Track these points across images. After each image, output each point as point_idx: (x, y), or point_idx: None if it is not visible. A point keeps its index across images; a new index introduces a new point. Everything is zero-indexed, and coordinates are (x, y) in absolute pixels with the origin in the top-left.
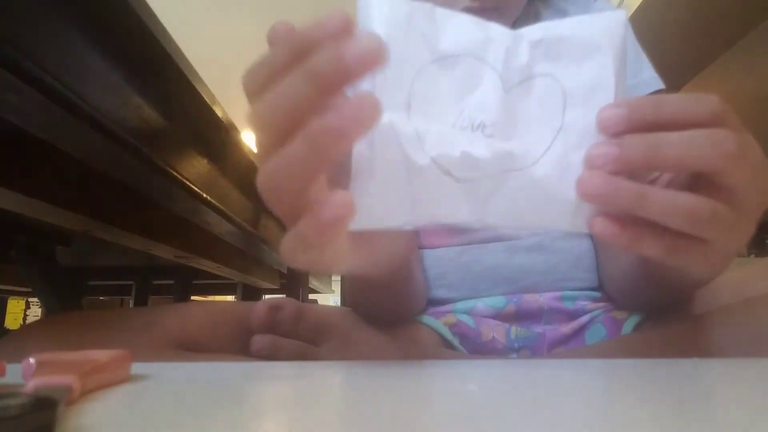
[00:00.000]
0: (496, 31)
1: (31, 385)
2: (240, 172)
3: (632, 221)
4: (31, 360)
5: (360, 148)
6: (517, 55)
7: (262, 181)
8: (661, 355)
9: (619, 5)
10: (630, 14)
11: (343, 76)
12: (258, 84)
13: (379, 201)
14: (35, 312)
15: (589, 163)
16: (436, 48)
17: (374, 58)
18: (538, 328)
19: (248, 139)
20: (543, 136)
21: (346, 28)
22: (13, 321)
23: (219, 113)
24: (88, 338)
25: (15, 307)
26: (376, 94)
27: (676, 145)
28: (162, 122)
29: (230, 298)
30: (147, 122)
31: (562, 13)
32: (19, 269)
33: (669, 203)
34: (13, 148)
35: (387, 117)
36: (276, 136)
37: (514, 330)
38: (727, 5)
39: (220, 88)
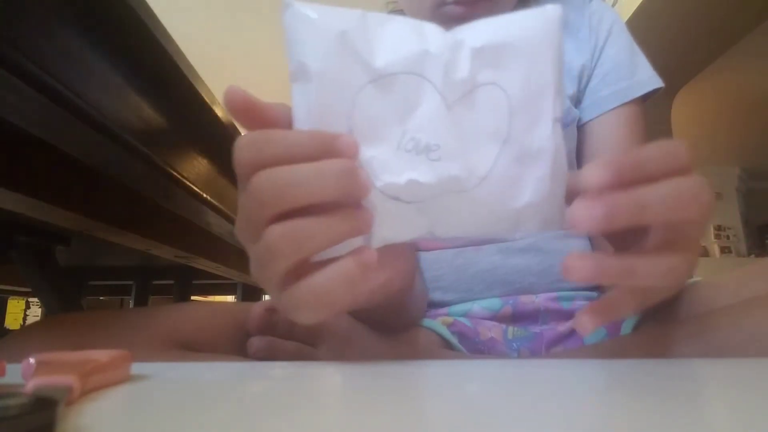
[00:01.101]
0: (435, 40)
1: (31, 385)
2: None
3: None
4: (31, 360)
5: None
6: (458, 67)
7: (299, 298)
8: (660, 355)
9: (614, 5)
10: (630, 14)
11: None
12: (259, 161)
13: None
14: (35, 312)
15: (575, 223)
16: (372, 67)
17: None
18: (536, 328)
19: None
20: (488, 151)
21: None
22: (13, 321)
23: (219, 113)
24: (88, 339)
25: (15, 307)
26: (315, 123)
27: (660, 201)
28: (162, 122)
29: (230, 298)
30: (147, 122)
31: None
32: (19, 269)
33: (651, 271)
34: (13, 148)
35: None
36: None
37: (512, 330)
38: (727, 5)
39: (220, 88)
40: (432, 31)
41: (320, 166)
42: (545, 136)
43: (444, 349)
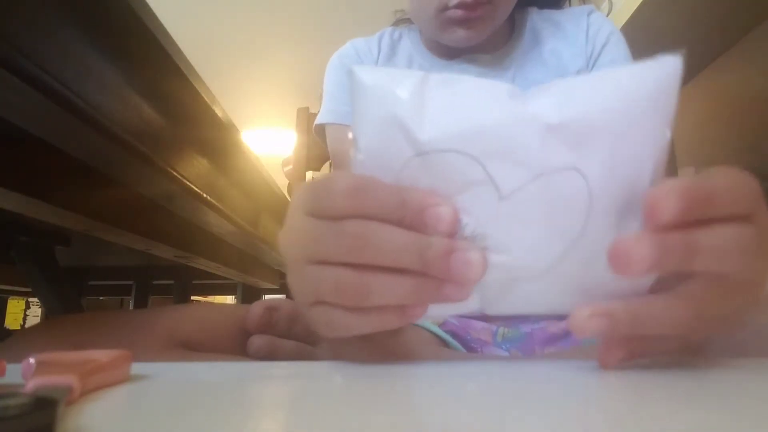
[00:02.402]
0: (500, 111)
1: (31, 385)
2: (240, 172)
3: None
4: (31, 360)
5: None
6: (524, 148)
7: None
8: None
9: (608, 14)
10: (628, 15)
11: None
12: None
13: None
14: (35, 312)
15: (618, 261)
16: (418, 141)
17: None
18: (526, 328)
19: (248, 139)
20: (553, 248)
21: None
22: (13, 321)
23: (219, 113)
24: (89, 340)
25: (15, 307)
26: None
27: (713, 251)
28: (162, 122)
29: (230, 298)
30: (147, 122)
31: (557, 26)
32: (19, 269)
33: (663, 320)
34: (13, 148)
35: None
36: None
37: (501, 332)
38: (727, 5)
39: (220, 88)
40: (499, 98)
41: (418, 241)
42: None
43: (440, 346)
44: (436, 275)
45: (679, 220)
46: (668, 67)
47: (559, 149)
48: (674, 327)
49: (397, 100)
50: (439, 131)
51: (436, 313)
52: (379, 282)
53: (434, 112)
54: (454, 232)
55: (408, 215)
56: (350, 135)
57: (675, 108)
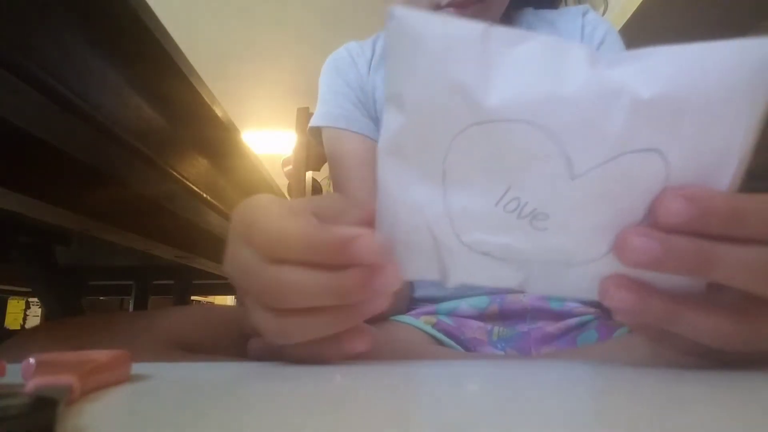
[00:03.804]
0: (579, 78)
1: (31, 385)
2: (240, 172)
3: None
4: (31, 360)
5: (383, 224)
6: (606, 124)
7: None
8: (653, 358)
9: (603, 14)
10: (628, 15)
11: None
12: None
13: (405, 264)
14: (35, 312)
15: (623, 254)
16: (481, 106)
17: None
18: (523, 327)
19: (248, 139)
20: (613, 234)
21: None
22: (13, 321)
23: (219, 113)
24: (89, 341)
25: (15, 307)
26: (402, 159)
27: (734, 264)
28: (162, 122)
29: (230, 298)
30: (147, 122)
31: (552, 26)
32: (19, 269)
33: (700, 327)
34: (13, 148)
35: (415, 194)
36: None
37: (497, 331)
38: (727, 5)
39: (220, 88)
40: (577, 63)
41: (332, 281)
42: None
43: (435, 345)
44: (354, 302)
45: (690, 226)
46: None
47: (645, 128)
48: (712, 338)
49: (458, 57)
50: (508, 98)
51: (469, 281)
52: (295, 324)
53: (500, 75)
54: (382, 257)
55: (331, 255)
56: (388, 91)
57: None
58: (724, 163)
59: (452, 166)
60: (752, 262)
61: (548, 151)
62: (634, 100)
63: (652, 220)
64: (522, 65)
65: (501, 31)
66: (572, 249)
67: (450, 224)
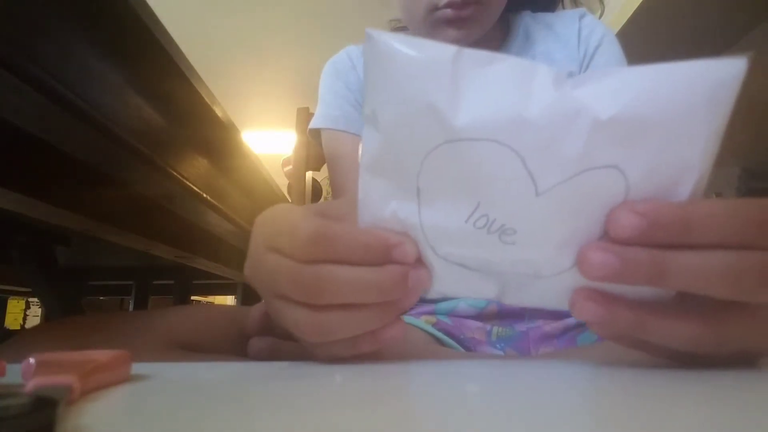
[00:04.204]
0: (543, 100)
1: (31, 385)
2: (240, 172)
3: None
4: (31, 360)
5: None
6: (568, 143)
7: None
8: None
9: (600, 17)
10: (628, 16)
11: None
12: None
13: None
14: (35, 312)
15: (584, 268)
16: (451, 125)
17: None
18: (521, 327)
19: (248, 139)
20: (578, 246)
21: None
22: (13, 321)
23: (219, 113)
24: (90, 341)
25: (15, 307)
26: (379, 175)
27: (687, 271)
28: (162, 122)
29: (230, 298)
30: (147, 122)
31: (550, 28)
32: (19, 269)
33: (669, 334)
34: (13, 148)
35: (393, 207)
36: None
37: (496, 331)
38: (727, 5)
39: (220, 88)
40: (543, 84)
41: (374, 277)
42: None
43: (435, 345)
44: (394, 298)
45: (642, 238)
46: (733, 67)
47: (606, 146)
48: (682, 343)
49: (430, 78)
50: (476, 118)
51: (450, 293)
52: (334, 320)
53: (470, 96)
54: (411, 262)
55: (372, 258)
56: (365, 110)
57: (729, 116)
58: (684, 177)
59: (425, 183)
60: (703, 267)
61: (514, 170)
62: (594, 120)
63: (610, 235)
64: (491, 86)
65: (471, 53)
66: (540, 262)
67: (425, 238)
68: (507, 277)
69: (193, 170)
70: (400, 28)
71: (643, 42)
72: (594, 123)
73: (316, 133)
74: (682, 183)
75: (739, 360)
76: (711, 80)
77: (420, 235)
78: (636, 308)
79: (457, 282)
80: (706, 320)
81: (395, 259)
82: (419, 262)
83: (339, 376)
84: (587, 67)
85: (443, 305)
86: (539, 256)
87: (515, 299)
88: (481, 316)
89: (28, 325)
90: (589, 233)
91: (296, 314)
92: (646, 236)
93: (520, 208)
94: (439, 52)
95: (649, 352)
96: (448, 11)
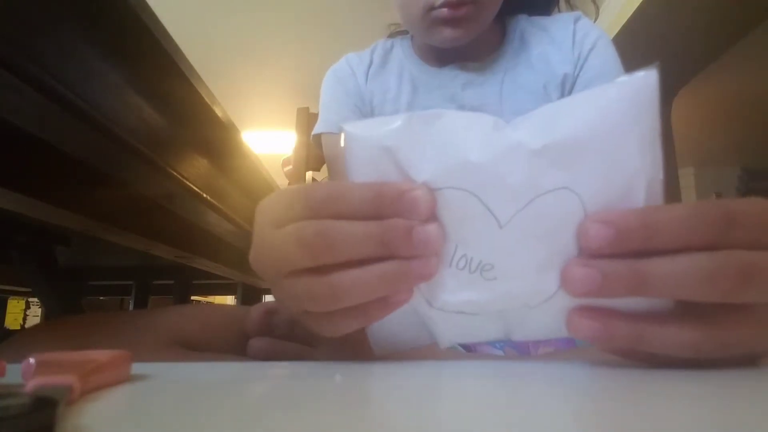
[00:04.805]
0: (483, 143)
1: (31, 385)
2: (240, 172)
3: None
4: (31, 360)
5: None
6: (511, 177)
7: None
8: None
9: (596, 19)
10: (628, 16)
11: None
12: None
13: (396, 334)
14: (35, 312)
15: (569, 286)
16: (418, 181)
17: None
18: None
19: (248, 139)
20: (558, 269)
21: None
22: (13, 321)
23: (219, 113)
24: (90, 340)
25: (15, 307)
26: None
27: (664, 277)
28: (162, 122)
29: (230, 298)
30: (147, 122)
31: (545, 31)
32: (19, 269)
33: (669, 342)
34: (13, 148)
35: None
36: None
37: None
38: (727, 5)
39: (220, 88)
40: (483, 130)
41: (376, 229)
42: None
43: (435, 345)
44: (401, 254)
45: (615, 248)
46: (644, 80)
47: (548, 171)
48: (682, 350)
49: (389, 145)
50: (434, 170)
51: (461, 341)
52: (345, 280)
53: (426, 151)
54: (431, 216)
55: (385, 205)
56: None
57: (658, 120)
58: (634, 183)
59: None
60: (677, 272)
61: (476, 209)
62: (530, 151)
63: (584, 250)
64: (441, 139)
65: (420, 114)
66: (525, 292)
67: (420, 293)
68: (507, 314)
69: (193, 170)
70: (399, 32)
71: (642, 44)
72: (529, 153)
73: (318, 140)
74: (634, 189)
75: (742, 362)
76: (629, 94)
77: (415, 293)
78: (632, 320)
79: (463, 330)
80: (705, 326)
81: (404, 204)
82: (433, 219)
83: (339, 376)
84: (582, 68)
85: None
86: (522, 287)
87: (521, 335)
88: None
89: (28, 325)
90: (565, 255)
91: (307, 284)
92: (617, 244)
93: (489, 243)
94: (395, 123)
95: (655, 363)
96: (444, 11)
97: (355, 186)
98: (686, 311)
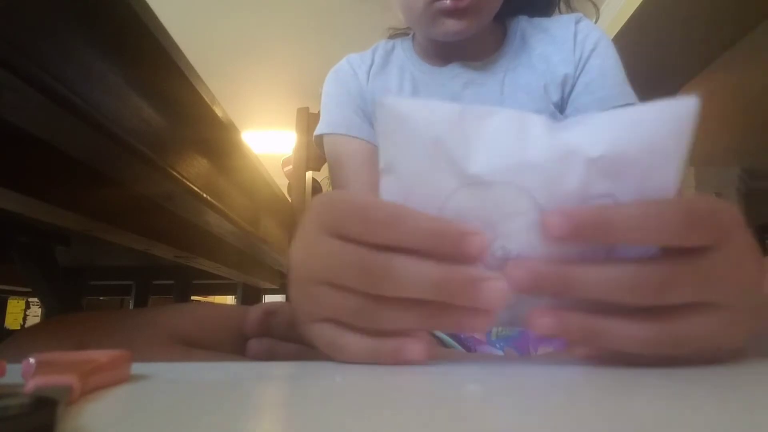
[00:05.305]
0: (540, 145)
1: (31, 385)
2: (240, 172)
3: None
4: (31, 360)
5: None
6: (567, 179)
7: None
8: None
9: (596, 21)
10: (629, 16)
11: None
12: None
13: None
14: (35, 312)
15: (509, 278)
16: (466, 173)
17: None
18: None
19: (248, 139)
20: None
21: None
22: (13, 321)
23: (219, 113)
24: (90, 339)
25: (15, 307)
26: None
27: (588, 283)
28: (162, 122)
29: (230, 298)
30: (147, 122)
31: (546, 32)
32: (19, 269)
33: (624, 336)
34: (13, 148)
35: None
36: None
37: (496, 330)
38: (727, 5)
39: (220, 88)
40: (538, 131)
41: (446, 274)
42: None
43: (436, 345)
44: (461, 304)
45: (573, 236)
46: (687, 106)
47: (599, 179)
48: (639, 345)
49: (443, 132)
50: (487, 163)
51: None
52: (389, 311)
53: (479, 145)
54: (482, 260)
55: (445, 245)
56: (381, 166)
57: (690, 143)
58: (663, 196)
59: None
60: (604, 280)
61: (525, 206)
62: (587, 158)
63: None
64: (495, 135)
65: (474, 108)
66: None
67: None
68: (526, 304)
69: (193, 170)
70: (398, 34)
71: (642, 44)
72: (586, 160)
73: (320, 141)
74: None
75: (707, 360)
76: (673, 117)
77: None
78: (587, 317)
79: None
80: (654, 323)
81: (466, 249)
82: (496, 275)
83: (339, 376)
84: (582, 69)
85: None
86: None
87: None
88: None
89: (27, 325)
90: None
91: (350, 302)
92: (576, 235)
93: (533, 238)
94: (447, 110)
95: (624, 362)
96: (447, 2)
97: (415, 215)
98: (640, 308)
